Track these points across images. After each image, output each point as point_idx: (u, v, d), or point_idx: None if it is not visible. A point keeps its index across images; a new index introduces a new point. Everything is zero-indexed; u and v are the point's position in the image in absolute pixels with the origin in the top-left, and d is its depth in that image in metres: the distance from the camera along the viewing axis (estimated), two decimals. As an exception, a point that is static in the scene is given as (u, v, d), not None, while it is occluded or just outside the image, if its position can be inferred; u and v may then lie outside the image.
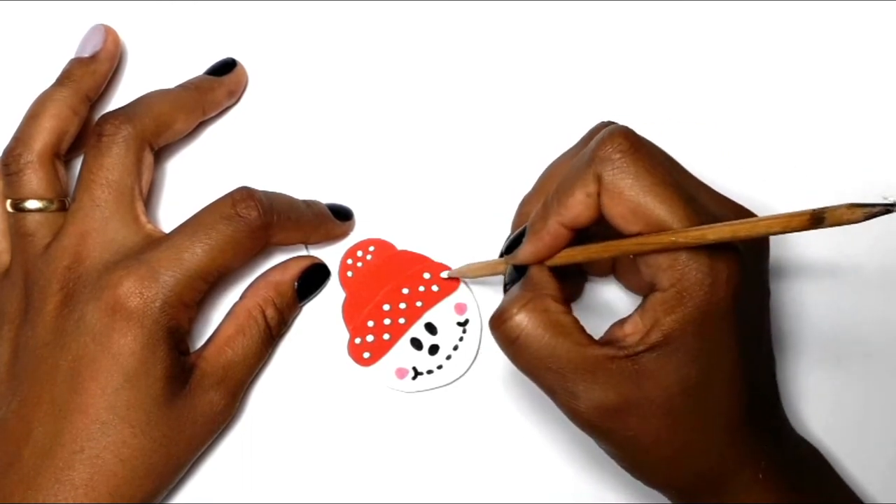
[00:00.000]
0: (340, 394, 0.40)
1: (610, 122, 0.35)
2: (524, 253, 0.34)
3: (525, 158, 0.43)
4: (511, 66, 0.44)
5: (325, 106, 0.44)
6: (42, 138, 0.38)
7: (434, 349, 0.40)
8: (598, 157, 0.31)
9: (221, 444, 0.39)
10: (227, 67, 0.43)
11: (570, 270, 0.37)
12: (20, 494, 0.34)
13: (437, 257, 0.41)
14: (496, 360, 0.40)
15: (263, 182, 0.39)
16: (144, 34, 0.45)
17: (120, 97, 0.44)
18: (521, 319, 0.32)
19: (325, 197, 0.42)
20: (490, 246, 0.41)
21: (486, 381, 0.40)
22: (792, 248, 0.41)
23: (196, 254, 0.36)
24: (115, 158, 0.38)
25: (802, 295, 0.41)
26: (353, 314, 0.41)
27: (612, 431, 0.32)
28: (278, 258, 0.41)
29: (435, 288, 0.41)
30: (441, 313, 0.40)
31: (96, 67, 0.42)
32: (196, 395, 0.36)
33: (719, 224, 0.29)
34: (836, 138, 0.43)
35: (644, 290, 0.33)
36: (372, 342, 0.40)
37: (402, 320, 0.40)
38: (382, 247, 0.42)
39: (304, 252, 0.42)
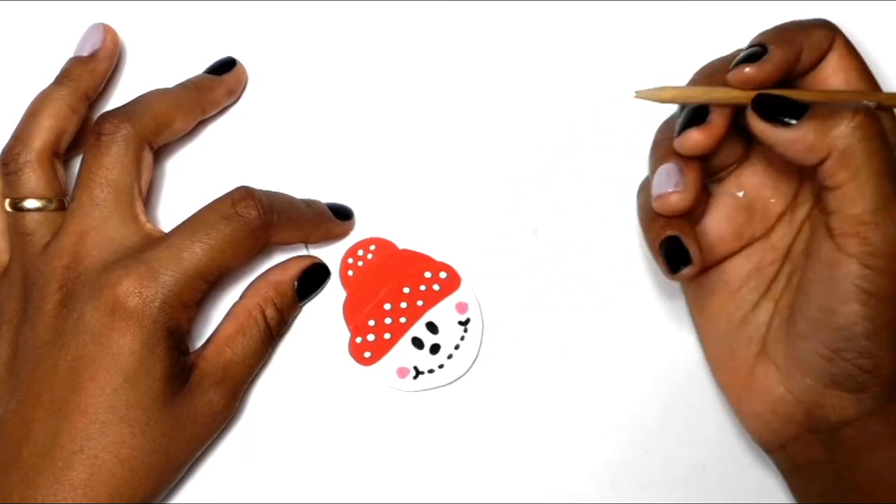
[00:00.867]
0: (341, 393, 0.40)
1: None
2: (768, 66, 0.33)
3: (525, 158, 0.43)
4: (511, 66, 0.44)
5: (325, 106, 0.44)
6: (41, 137, 0.38)
7: (435, 348, 0.40)
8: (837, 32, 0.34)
9: (221, 444, 0.39)
10: (226, 66, 0.43)
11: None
12: (19, 494, 0.34)
13: (438, 256, 0.41)
14: (497, 359, 0.40)
15: (263, 182, 0.39)
16: (144, 33, 0.45)
17: (119, 96, 0.44)
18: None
19: (325, 197, 0.42)
20: (490, 245, 0.41)
21: (488, 380, 0.40)
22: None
23: (195, 253, 0.36)
24: (114, 157, 0.38)
25: None
26: (354, 313, 0.41)
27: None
28: (278, 258, 0.41)
29: (436, 287, 0.41)
30: (442, 312, 0.40)
31: (95, 66, 0.41)
32: (196, 395, 0.36)
33: None
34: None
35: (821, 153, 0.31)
36: (373, 341, 0.40)
37: (403, 319, 0.40)
38: (383, 246, 0.42)
39: (304, 252, 0.41)
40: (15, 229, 0.38)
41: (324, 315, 0.41)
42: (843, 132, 0.30)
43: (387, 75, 0.44)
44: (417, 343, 0.40)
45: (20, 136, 0.39)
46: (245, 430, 0.39)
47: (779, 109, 0.31)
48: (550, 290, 0.41)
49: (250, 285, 0.40)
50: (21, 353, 0.36)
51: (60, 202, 0.38)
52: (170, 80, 0.42)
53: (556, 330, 0.40)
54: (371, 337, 0.40)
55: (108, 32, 0.42)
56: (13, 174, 0.38)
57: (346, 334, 0.40)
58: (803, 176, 0.35)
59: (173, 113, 0.40)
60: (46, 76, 0.41)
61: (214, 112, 0.43)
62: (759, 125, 0.32)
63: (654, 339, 0.40)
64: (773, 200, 0.35)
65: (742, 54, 0.34)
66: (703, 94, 0.34)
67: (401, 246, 0.42)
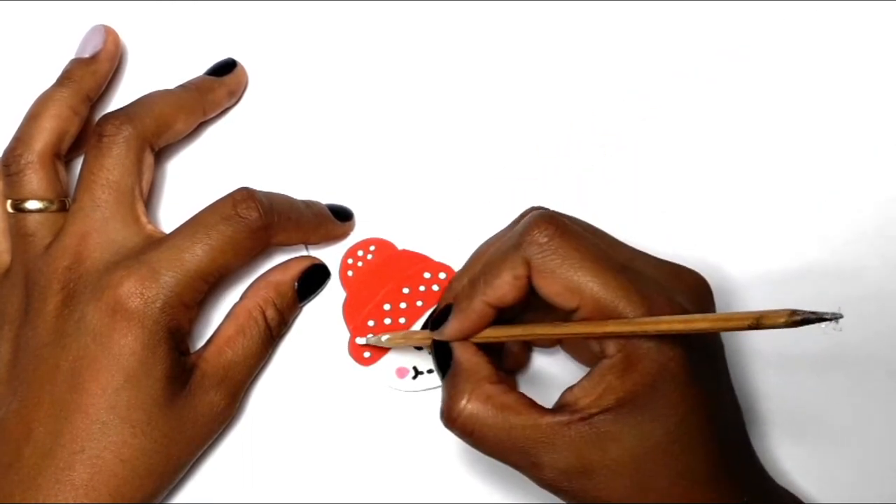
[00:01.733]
0: (341, 393, 0.40)
1: (539, 208, 0.36)
2: (450, 330, 0.35)
3: (525, 158, 0.43)
4: (511, 66, 0.44)
5: (325, 106, 0.44)
6: (42, 138, 0.38)
7: (435, 349, 0.40)
8: (526, 241, 0.32)
9: (221, 444, 0.39)
10: (227, 68, 0.43)
11: (513, 343, 0.38)
12: (20, 495, 0.34)
13: (437, 257, 0.41)
14: (496, 359, 0.40)
15: (263, 182, 0.39)
16: (144, 34, 0.45)
17: (120, 97, 0.44)
18: (470, 412, 0.33)
19: (325, 197, 0.42)
20: (490, 245, 0.41)
21: (487, 380, 0.40)
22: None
23: (196, 254, 0.36)
24: (115, 159, 0.38)
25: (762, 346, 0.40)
26: (354, 313, 0.41)
27: (582, 492, 0.32)
28: (278, 258, 0.41)
29: (435, 287, 0.41)
30: (441, 313, 0.40)
31: (97, 68, 0.42)
32: (196, 396, 0.36)
33: (642, 319, 0.30)
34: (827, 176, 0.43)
35: (592, 360, 0.33)
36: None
37: (402, 320, 0.40)
38: (383, 246, 0.42)
39: (304, 252, 0.42)
40: (16, 230, 0.38)
41: (324, 315, 0.41)
42: None
43: (386, 76, 0.44)
44: (417, 343, 0.40)
45: (22, 137, 0.39)
46: (245, 430, 0.39)
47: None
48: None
49: (250, 286, 0.40)
50: (22, 353, 0.36)
51: (62, 203, 0.38)
52: (171, 81, 0.42)
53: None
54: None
55: (109, 34, 0.42)
56: (15, 175, 0.38)
57: (346, 334, 0.40)
58: None
59: (174, 114, 0.40)
60: (48, 78, 0.41)
61: (215, 113, 0.43)
62: None
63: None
64: None
65: (428, 318, 0.38)
66: (403, 339, 0.38)
67: (400, 246, 0.42)
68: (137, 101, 0.40)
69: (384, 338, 0.39)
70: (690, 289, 0.34)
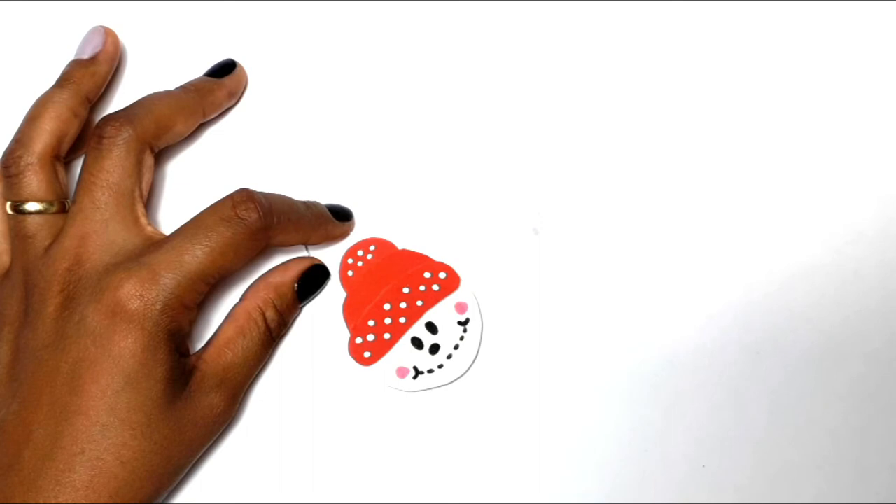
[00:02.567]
0: (341, 393, 0.40)
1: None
2: None
3: (525, 158, 0.43)
4: (511, 66, 0.44)
5: (325, 106, 0.44)
6: (42, 140, 0.38)
7: (435, 348, 0.40)
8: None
9: (221, 445, 0.39)
10: (227, 69, 0.43)
11: None
12: (20, 496, 0.34)
13: (437, 256, 0.41)
14: (497, 359, 0.40)
15: (263, 183, 0.39)
16: (144, 35, 0.45)
17: (120, 99, 0.44)
18: None
19: (325, 197, 0.42)
20: (490, 246, 0.41)
21: (487, 380, 0.40)
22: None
23: (196, 256, 0.36)
24: (115, 160, 0.38)
25: None
26: (354, 313, 0.41)
27: None
28: (278, 259, 0.41)
29: (436, 287, 0.41)
30: (442, 312, 0.40)
31: (96, 69, 0.42)
32: (196, 397, 0.36)
33: None
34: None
35: None
36: (373, 341, 0.40)
37: (402, 319, 0.40)
38: (383, 246, 0.42)
39: (304, 253, 0.42)
40: (16, 232, 0.38)
41: (324, 315, 0.41)
42: None
43: (386, 76, 0.44)
44: (417, 343, 0.40)
45: (21, 138, 0.39)
46: (245, 431, 0.39)
47: None
48: (550, 290, 0.41)
49: (250, 287, 0.40)
50: (22, 355, 0.36)
51: (62, 205, 0.38)
52: (171, 82, 0.42)
53: (556, 330, 0.40)
54: (371, 337, 0.40)
55: (108, 35, 0.42)
56: (14, 177, 0.38)
57: (346, 334, 0.40)
58: None
59: (174, 116, 0.40)
60: (47, 79, 0.41)
61: (215, 114, 0.43)
62: None
63: (655, 338, 0.40)
64: None
65: None
66: None
67: (400, 246, 0.42)
68: (137, 102, 0.40)
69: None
70: None
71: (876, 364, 0.40)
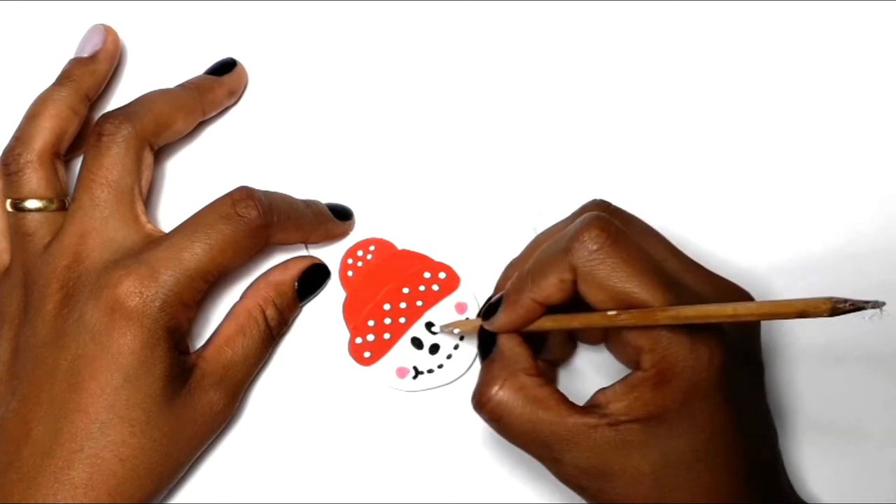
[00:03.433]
0: (341, 393, 0.40)
1: (602, 202, 0.36)
2: (499, 322, 0.35)
3: (525, 158, 0.43)
4: (511, 66, 0.44)
5: (325, 106, 0.44)
6: (42, 138, 0.38)
7: (434, 348, 0.40)
8: (575, 247, 0.32)
9: (221, 444, 0.39)
10: (227, 67, 0.43)
11: (559, 334, 0.38)
12: (20, 494, 0.34)
13: (437, 257, 0.41)
14: (497, 359, 0.40)
15: (263, 182, 0.39)
16: (144, 34, 0.45)
17: (120, 97, 0.44)
18: (501, 399, 0.33)
19: (325, 197, 0.42)
20: (490, 245, 0.41)
21: (487, 380, 0.40)
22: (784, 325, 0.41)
23: (196, 253, 0.36)
24: (114, 158, 0.38)
25: (803, 364, 0.40)
26: (354, 313, 0.41)
27: (600, 492, 0.32)
28: (278, 258, 0.41)
29: (435, 287, 0.41)
30: (441, 312, 0.40)
31: (96, 67, 0.42)
32: (196, 395, 0.36)
33: (690, 307, 0.30)
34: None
35: (631, 364, 0.33)
36: (373, 341, 0.40)
37: (402, 319, 0.40)
38: (383, 246, 0.42)
39: (304, 252, 0.42)
40: (16, 229, 0.38)
41: (324, 315, 0.41)
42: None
43: (386, 76, 0.44)
44: (417, 343, 0.40)
45: (21, 136, 0.39)
46: (245, 430, 0.39)
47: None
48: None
49: (250, 286, 0.40)
50: (21, 352, 0.36)
51: (61, 202, 0.38)
52: (170, 80, 0.42)
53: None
54: (371, 337, 0.40)
55: (108, 33, 0.42)
56: (14, 174, 0.38)
57: (346, 334, 0.40)
58: None
59: (174, 114, 0.40)
60: (47, 77, 0.41)
61: (215, 113, 0.43)
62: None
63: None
64: None
65: (482, 306, 0.38)
66: (456, 325, 0.39)
67: (400, 246, 0.42)
68: (137, 100, 0.40)
69: (447, 323, 0.40)
70: None
71: (874, 363, 0.40)
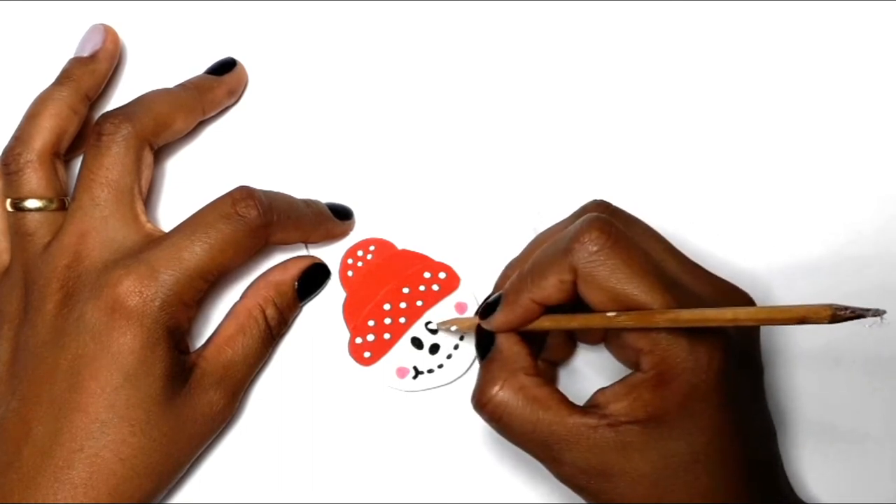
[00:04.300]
0: (341, 393, 0.40)
1: (602, 202, 0.36)
2: (497, 321, 0.35)
3: (525, 158, 0.43)
4: (511, 66, 0.44)
5: (325, 106, 0.44)
6: (42, 137, 0.38)
7: (435, 348, 0.40)
8: (575, 247, 0.32)
9: (221, 444, 0.39)
10: (227, 67, 0.43)
11: (558, 334, 0.38)
12: (20, 493, 0.34)
13: (437, 257, 0.41)
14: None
15: (263, 182, 0.39)
16: (144, 34, 0.45)
17: (120, 97, 0.44)
18: (501, 399, 0.33)
19: (325, 197, 0.42)
20: (490, 245, 0.41)
21: (487, 380, 0.40)
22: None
23: (195, 253, 0.36)
24: (114, 158, 0.38)
25: (803, 364, 0.40)
26: (354, 313, 0.41)
27: (599, 492, 0.32)
28: (278, 258, 0.41)
29: (435, 287, 0.41)
30: (442, 312, 0.40)
31: (96, 67, 0.42)
32: (196, 395, 0.36)
33: (690, 310, 0.30)
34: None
35: (631, 365, 0.33)
36: (373, 341, 0.40)
37: (402, 319, 0.40)
38: (383, 246, 0.42)
39: (304, 252, 0.41)
40: (16, 229, 0.38)
41: (324, 315, 0.41)
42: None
43: (386, 76, 0.44)
44: (417, 343, 0.40)
45: (21, 136, 0.39)
46: (245, 430, 0.39)
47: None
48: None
49: (251, 285, 0.40)
50: (21, 352, 0.36)
51: (61, 202, 0.38)
52: (170, 80, 0.42)
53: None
54: (371, 337, 0.40)
55: (108, 33, 0.42)
56: (14, 174, 0.38)
57: (346, 334, 0.40)
58: None
59: (174, 113, 0.40)
60: (47, 77, 0.41)
61: (215, 112, 0.43)
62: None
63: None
64: None
65: (480, 304, 0.37)
66: (452, 323, 0.39)
67: (400, 246, 0.42)
68: (136, 99, 0.40)
69: (443, 321, 0.40)
70: None
71: (874, 363, 0.40)
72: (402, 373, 0.40)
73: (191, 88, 0.41)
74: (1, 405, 0.36)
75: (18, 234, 0.38)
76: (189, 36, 0.45)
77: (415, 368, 0.40)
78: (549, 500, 0.38)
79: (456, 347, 0.40)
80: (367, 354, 0.40)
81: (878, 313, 0.24)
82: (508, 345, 0.35)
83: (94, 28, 0.43)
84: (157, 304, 0.35)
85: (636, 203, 0.41)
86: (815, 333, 0.40)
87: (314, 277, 0.40)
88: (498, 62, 0.44)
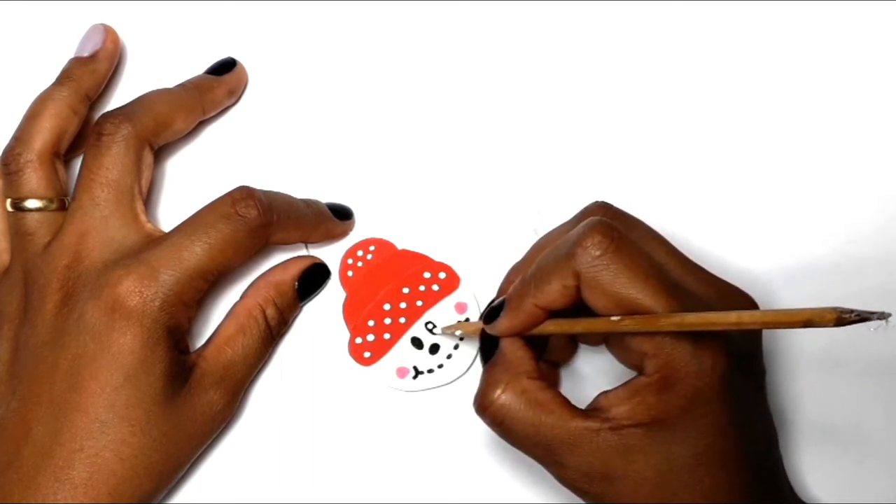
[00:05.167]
0: (341, 393, 0.40)
1: (603, 204, 0.36)
2: (501, 326, 0.35)
3: (525, 158, 0.43)
4: (511, 66, 0.44)
5: (325, 106, 0.44)
6: (42, 137, 0.38)
7: (435, 348, 0.40)
8: (578, 252, 0.32)
9: (221, 444, 0.39)
10: (227, 67, 0.43)
11: (560, 336, 0.38)
12: (20, 493, 0.34)
13: (437, 257, 0.41)
14: (497, 359, 0.40)
15: (263, 182, 0.39)
16: (144, 34, 0.45)
17: (120, 97, 0.44)
18: (503, 403, 0.33)
19: (325, 197, 0.42)
20: (490, 246, 0.41)
21: (487, 380, 0.40)
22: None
23: (195, 253, 0.36)
24: (114, 158, 0.38)
25: (806, 366, 0.40)
26: (354, 313, 0.41)
27: (602, 495, 0.32)
28: (278, 258, 0.41)
29: (435, 287, 0.41)
30: (441, 312, 0.40)
31: (96, 67, 0.42)
32: (196, 395, 0.36)
33: (694, 314, 0.30)
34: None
35: (634, 367, 0.33)
36: (373, 341, 0.40)
37: (402, 319, 0.40)
38: (383, 246, 0.42)
39: (304, 252, 0.41)
40: (16, 229, 0.38)
41: (324, 315, 0.41)
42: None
43: (386, 76, 0.44)
44: (417, 343, 0.40)
45: (21, 136, 0.39)
46: (245, 430, 0.39)
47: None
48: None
49: (251, 285, 0.40)
50: (21, 352, 0.36)
51: (61, 202, 0.38)
52: (170, 80, 0.42)
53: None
54: (371, 337, 0.40)
55: (108, 33, 0.42)
56: (14, 174, 0.38)
57: (346, 334, 0.40)
58: None
59: (174, 113, 0.40)
60: (47, 77, 0.41)
61: (215, 112, 0.43)
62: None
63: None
64: None
65: (483, 310, 0.37)
66: (457, 327, 0.40)
67: (400, 246, 0.42)
68: (136, 99, 0.40)
69: (449, 325, 0.40)
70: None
71: (874, 364, 0.40)
72: (402, 373, 0.40)
73: (191, 88, 0.41)
74: (1, 405, 0.36)
75: (18, 233, 0.38)
76: (189, 36, 0.45)
77: (415, 368, 0.40)
78: (549, 501, 0.38)
79: (456, 347, 0.40)
80: (367, 354, 0.40)
81: (883, 316, 0.24)
82: (512, 348, 0.35)
83: (94, 28, 0.43)
84: (157, 304, 0.35)
85: (636, 203, 0.41)
86: (816, 335, 0.40)
87: (314, 277, 0.40)
88: (498, 62, 0.44)
